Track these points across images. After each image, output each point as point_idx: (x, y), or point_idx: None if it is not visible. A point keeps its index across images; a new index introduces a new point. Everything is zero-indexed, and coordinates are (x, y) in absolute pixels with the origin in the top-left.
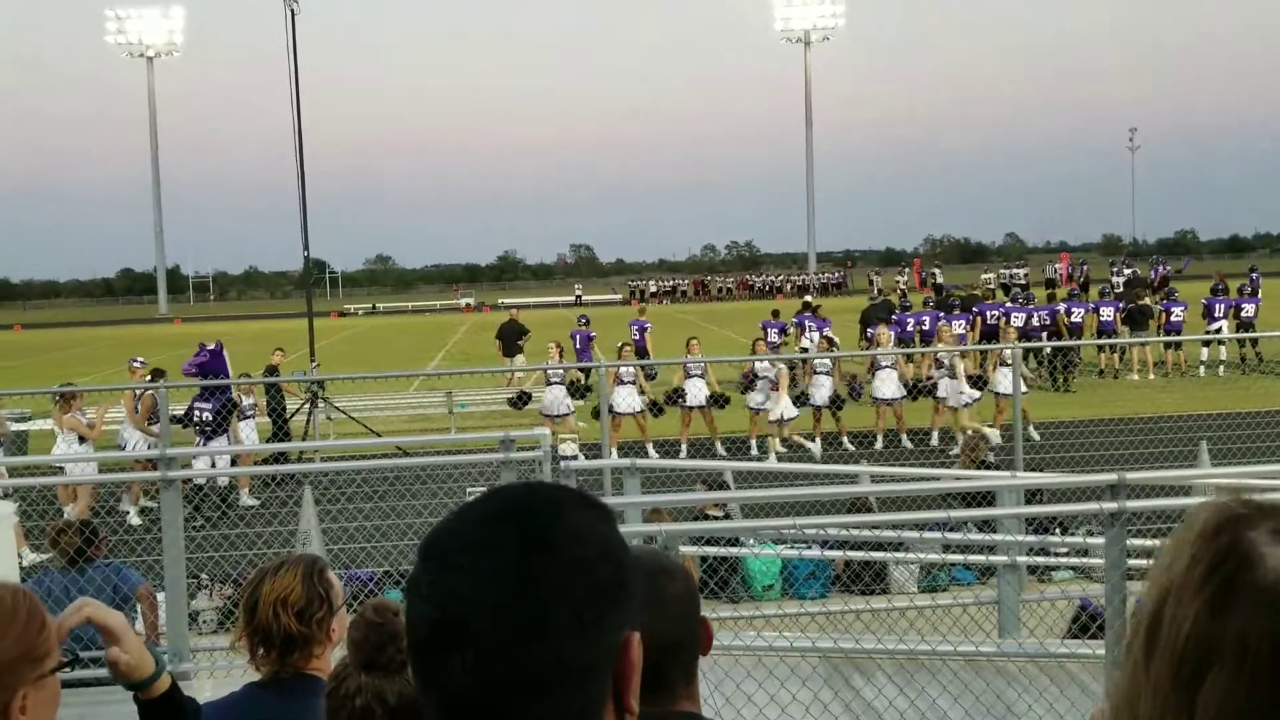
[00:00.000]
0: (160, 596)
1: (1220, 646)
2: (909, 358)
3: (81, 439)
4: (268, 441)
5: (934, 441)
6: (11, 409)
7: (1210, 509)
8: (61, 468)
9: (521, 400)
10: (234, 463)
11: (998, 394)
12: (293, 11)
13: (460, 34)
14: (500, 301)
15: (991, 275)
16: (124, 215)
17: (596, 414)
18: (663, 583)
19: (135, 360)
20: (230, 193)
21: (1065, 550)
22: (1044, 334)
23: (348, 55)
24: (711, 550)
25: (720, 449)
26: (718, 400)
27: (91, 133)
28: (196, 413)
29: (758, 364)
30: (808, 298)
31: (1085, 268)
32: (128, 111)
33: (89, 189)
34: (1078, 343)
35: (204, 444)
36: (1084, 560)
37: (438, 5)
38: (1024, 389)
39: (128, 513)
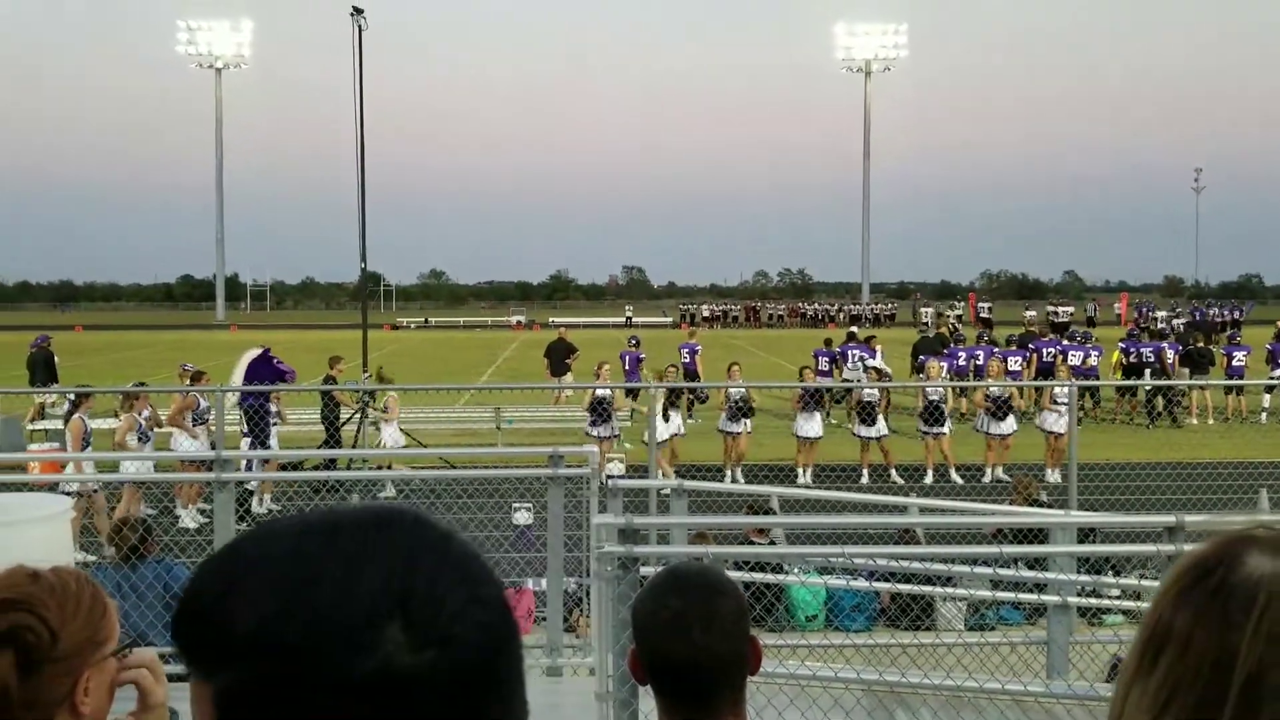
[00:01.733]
0: None
1: (1171, 633)
2: (961, 391)
3: (141, 438)
4: (321, 448)
5: (987, 478)
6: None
7: (1223, 531)
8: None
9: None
10: (288, 467)
11: (1047, 431)
12: (360, 27)
13: (520, 55)
14: (550, 320)
15: (1034, 313)
16: (187, 222)
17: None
18: (716, 600)
19: (185, 366)
20: (290, 204)
21: (1118, 593)
22: (1146, 372)
23: (410, 72)
24: (757, 576)
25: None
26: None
27: (158, 141)
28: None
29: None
30: (853, 328)
31: (1152, 309)
32: (194, 121)
33: (154, 196)
34: (1139, 383)
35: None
36: (1137, 604)
37: (499, 26)
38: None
39: (179, 516)
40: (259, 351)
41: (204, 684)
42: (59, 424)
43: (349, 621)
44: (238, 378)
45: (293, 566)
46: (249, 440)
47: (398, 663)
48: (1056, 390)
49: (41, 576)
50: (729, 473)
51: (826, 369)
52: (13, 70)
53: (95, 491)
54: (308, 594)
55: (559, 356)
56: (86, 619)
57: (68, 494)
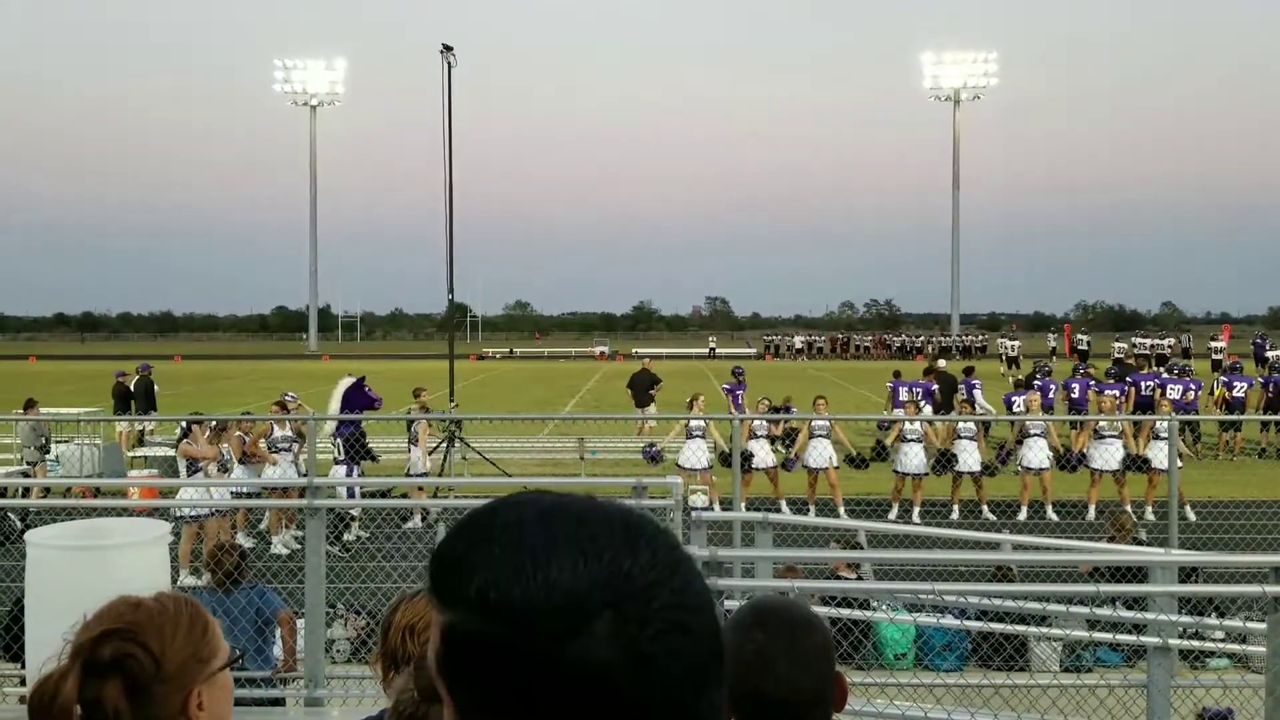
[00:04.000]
0: (300, 622)
1: None
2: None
3: (222, 468)
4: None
5: (1090, 516)
6: (166, 435)
7: None
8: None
9: (653, 457)
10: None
11: (1152, 469)
12: (449, 64)
13: (602, 86)
14: (634, 351)
15: (1125, 345)
16: (281, 255)
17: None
18: (801, 634)
19: (287, 395)
20: (380, 237)
21: (1221, 635)
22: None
23: (496, 106)
24: (844, 612)
25: (842, 511)
26: (854, 461)
27: (255, 176)
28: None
29: (907, 424)
30: (940, 362)
31: (1265, 340)
32: (289, 157)
33: (250, 230)
34: (1240, 418)
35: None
36: (1242, 647)
37: (582, 59)
38: (1179, 465)
39: (272, 543)
40: (353, 380)
41: (439, 614)
42: (158, 451)
43: (565, 604)
44: (334, 406)
45: (534, 540)
46: (344, 468)
47: (599, 657)
48: (1157, 425)
49: (142, 604)
50: (841, 508)
51: (905, 400)
52: (122, 110)
53: (207, 517)
54: (539, 568)
55: (643, 387)
56: (187, 639)
57: (196, 518)
